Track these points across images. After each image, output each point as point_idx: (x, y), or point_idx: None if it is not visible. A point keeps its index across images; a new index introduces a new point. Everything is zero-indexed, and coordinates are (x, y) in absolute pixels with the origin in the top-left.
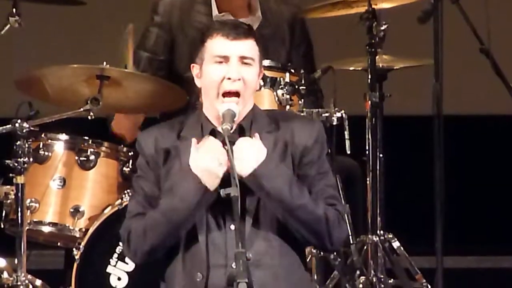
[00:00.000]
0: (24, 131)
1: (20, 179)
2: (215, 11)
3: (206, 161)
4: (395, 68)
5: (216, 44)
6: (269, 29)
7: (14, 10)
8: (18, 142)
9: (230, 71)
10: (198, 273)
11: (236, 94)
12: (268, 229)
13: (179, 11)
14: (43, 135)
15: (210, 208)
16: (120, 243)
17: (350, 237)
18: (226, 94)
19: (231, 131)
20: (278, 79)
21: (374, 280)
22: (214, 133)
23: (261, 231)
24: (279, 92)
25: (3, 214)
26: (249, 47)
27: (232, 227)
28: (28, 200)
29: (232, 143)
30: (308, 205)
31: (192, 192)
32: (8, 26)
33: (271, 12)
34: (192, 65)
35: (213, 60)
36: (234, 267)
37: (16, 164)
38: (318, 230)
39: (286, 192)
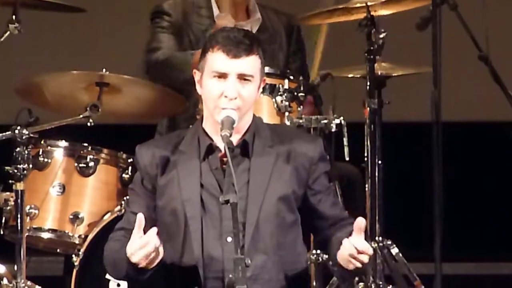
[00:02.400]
0: (24, 137)
1: (19, 186)
2: (215, 11)
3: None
4: (393, 75)
5: (216, 60)
6: (268, 33)
7: (13, 17)
8: (18, 149)
9: (227, 89)
10: (195, 286)
11: (233, 109)
12: (267, 243)
13: (182, 13)
14: (42, 142)
15: (207, 220)
16: None
17: None
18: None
19: (235, 145)
20: (277, 86)
21: (373, 286)
22: (211, 147)
23: (260, 245)
24: (278, 98)
25: (3, 221)
26: (249, 64)
27: (229, 239)
28: (28, 207)
29: (231, 150)
30: None
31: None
32: (8, 33)
33: (269, 19)
34: (194, 70)
35: (212, 75)
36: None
37: (15, 171)
38: None
39: None
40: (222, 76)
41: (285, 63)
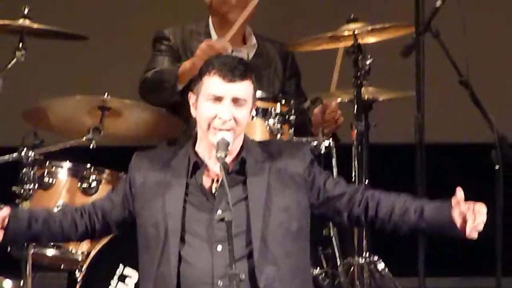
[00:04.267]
0: (30, 159)
1: (26, 205)
2: (214, 37)
3: None
4: (379, 99)
5: (212, 84)
6: (263, 59)
7: (20, 44)
8: (24, 170)
9: (222, 111)
10: None
11: (228, 130)
12: (276, 254)
13: (181, 39)
14: (47, 163)
15: (197, 230)
16: (121, 265)
17: (338, 258)
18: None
19: (230, 164)
20: (269, 109)
21: None
22: (197, 165)
23: (269, 257)
24: (270, 121)
25: None
26: (243, 89)
27: (219, 248)
28: None
29: (226, 170)
30: None
31: None
32: (15, 60)
33: (264, 46)
34: (190, 93)
35: (207, 98)
36: (221, 284)
37: (22, 191)
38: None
39: None
40: (218, 99)
41: (280, 87)
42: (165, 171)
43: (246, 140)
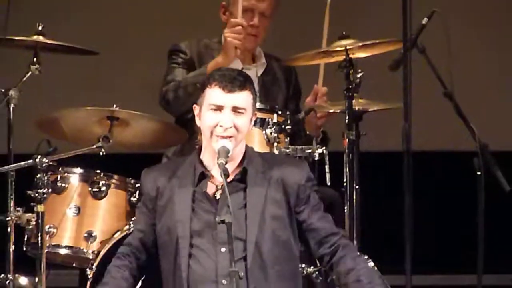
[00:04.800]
0: (44, 165)
1: (40, 208)
2: None
3: None
4: (369, 110)
5: (213, 94)
6: (271, 76)
7: (34, 59)
8: (38, 175)
9: (223, 119)
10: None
11: (228, 137)
12: (266, 258)
13: (196, 53)
14: (60, 169)
15: (204, 234)
16: None
17: None
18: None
19: (234, 173)
20: (266, 119)
21: None
22: (203, 175)
23: (260, 260)
24: (268, 131)
25: (26, 238)
26: (242, 98)
27: (223, 249)
28: (47, 226)
29: (227, 175)
30: None
31: None
32: (30, 73)
33: (272, 65)
34: (194, 105)
35: (210, 108)
36: (225, 283)
37: (36, 195)
38: None
39: None
40: (218, 108)
41: (284, 103)
42: (173, 182)
43: (247, 150)
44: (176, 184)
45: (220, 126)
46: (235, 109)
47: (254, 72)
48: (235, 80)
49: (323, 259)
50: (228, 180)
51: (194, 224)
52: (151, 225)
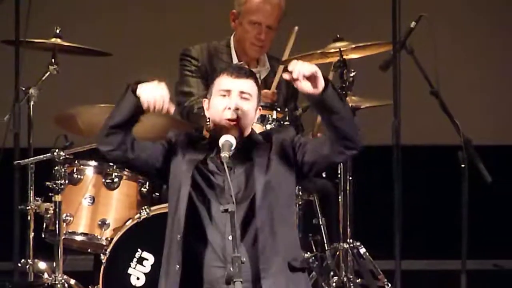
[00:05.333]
0: (61, 158)
1: (57, 198)
2: (235, 59)
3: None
4: (362, 107)
5: (222, 81)
6: (272, 79)
7: (53, 60)
8: (56, 167)
9: (230, 102)
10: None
11: (234, 121)
12: (273, 201)
13: (207, 57)
14: (76, 162)
15: (214, 222)
16: (139, 249)
17: (326, 244)
18: (227, 121)
19: (246, 144)
20: (267, 116)
21: (345, 280)
22: (213, 148)
23: (267, 202)
24: (268, 126)
25: (44, 226)
26: (248, 84)
27: (230, 237)
28: (64, 215)
29: (230, 168)
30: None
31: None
32: (48, 73)
33: (274, 67)
34: (203, 99)
35: (219, 94)
36: (232, 269)
37: (54, 185)
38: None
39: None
40: (227, 92)
41: (284, 103)
42: (190, 146)
43: (252, 131)
44: (190, 149)
45: (229, 108)
46: (241, 93)
47: (257, 75)
48: (242, 69)
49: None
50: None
51: (201, 183)
52: (157, 155)
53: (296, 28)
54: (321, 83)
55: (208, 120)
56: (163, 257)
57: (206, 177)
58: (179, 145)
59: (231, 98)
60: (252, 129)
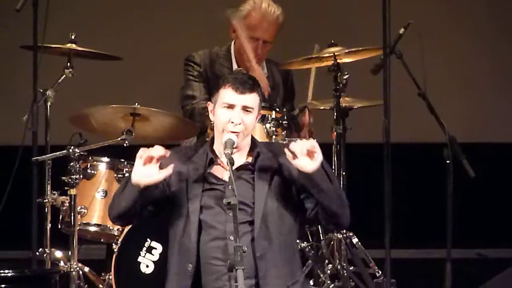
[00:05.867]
0: (76, 155)
1: (72, 191)
2: (234, 66)
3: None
4: (354, 107)
5: (227, 94)
6: (271, 82)
7: (68, 64)
8: (71, 163)
9: (234, 116)
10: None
11: (236, 133)
12: (272, 232)
13: (209, 62)
14: (90, 158)
15: (214, 225)
16: (148, 239)
17: (321, 235)
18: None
19: (248, 162)
20: (266, 115)
21: (339, 267)
22: (212, 160)
23: (266, 232)
24: (267, 125)
25: (60, 218)
26: (251, 99)
27: (231, 213)
28: (79, 207)
29: (232, 163)
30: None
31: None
32: (64, 76)
33: (272, 71)
34: (208, 102)
35: (223, 106)
36: (231, 239)
37: (70, 180)
38: (344, 206)
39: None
40: (231, 106)
41: (281, 103)
42: (188, 165)
43: (254, 141)
44: (190, 167)
45: (232, 122)
46: (244, 108)
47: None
48: (246, 84)
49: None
50: (240, 163)
51: (205, 199)
52: (163, 191)
53: (314, 68)
54: (318, 157)
55: (212, 121)
56: (167, 281)
57: (207, 190)
58: (175, 173)
59: (235, 112)
60: (253, 137)
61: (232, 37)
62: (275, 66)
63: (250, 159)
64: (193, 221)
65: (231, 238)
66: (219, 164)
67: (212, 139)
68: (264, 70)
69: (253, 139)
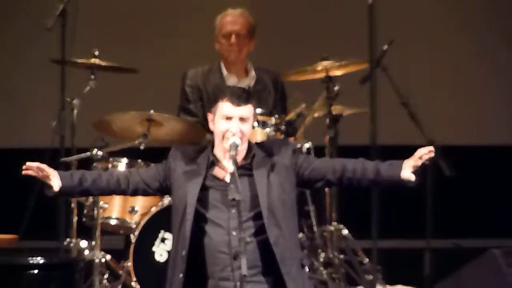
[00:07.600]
0: (99, 156)
1: None
2: (225, 73)
3: None
4: (344, 114)
5: (225, 107)
6: (261, 85)
7: (92, 76)
8: (94, 164)
9: (232, 127)
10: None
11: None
12: (279, 218)
13: (202, 77)
14: (111, 159)
15: (217, 222)
16: (162, 231)
17: (315, 227)
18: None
19: (245, 163)
20: (266, 121)
21: (331, 256)
22: (213, 162)
23: (274, 221)
24: (267, 130)
25: (84, 212)
26: (246, 110)
27: (234, 233)
28: (101, 202)
29: (236, 164)
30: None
31: None
32: (89, 87)
33: (261, 75)
34: (208, 113)
35: (222, 117)
36: (234, 234)
37: None
38: None
39: None
40: (229, 118)
41: (273, 105)
42: (191, 165)
43: (250, 144)
44: (193, 167)
45: (230, 131)
46: (241, 119)
47: (248, 83)
48: (241, 97)
49: (335, 184)
50: (239, 165)
51: (208, 197)
52: (159, 181)
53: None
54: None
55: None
56: (169, 266)
57: (209, 189)
58: (178, 165)
59: (233, 123)
60: (249, 142)
61: (216, 49)
62: (267, 73)
63: (248, 160)
64: (188, 212)
65: (234, 233)
66: (220, 167)
67: (213, 145)
68: (253, 74)
69: (249, 144)
